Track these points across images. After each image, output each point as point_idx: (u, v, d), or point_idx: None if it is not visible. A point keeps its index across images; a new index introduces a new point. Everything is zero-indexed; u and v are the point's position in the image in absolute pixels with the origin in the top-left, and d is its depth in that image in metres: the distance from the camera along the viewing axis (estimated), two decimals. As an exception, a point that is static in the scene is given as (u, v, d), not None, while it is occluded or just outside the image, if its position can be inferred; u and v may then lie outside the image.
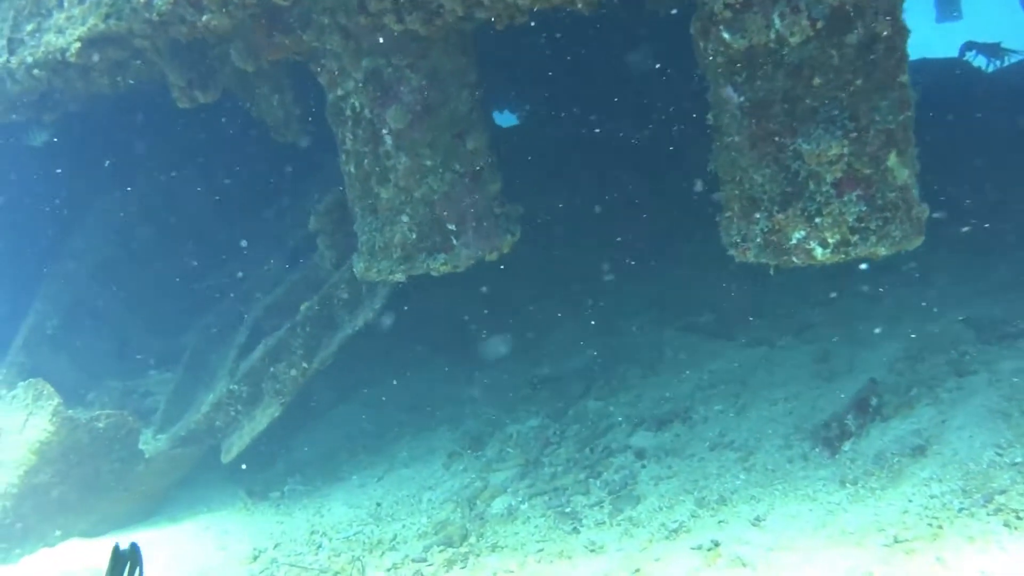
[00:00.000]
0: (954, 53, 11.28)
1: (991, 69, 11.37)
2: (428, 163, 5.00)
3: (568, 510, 5.93)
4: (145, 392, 7.83)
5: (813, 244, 4.15)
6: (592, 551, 5.34)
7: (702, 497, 5.59)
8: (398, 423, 7.78)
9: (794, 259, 4.22)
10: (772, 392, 6.58)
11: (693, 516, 5.42)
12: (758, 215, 4.25)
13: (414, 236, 5.11)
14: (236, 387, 6.86)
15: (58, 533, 6.67)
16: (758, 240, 4.30)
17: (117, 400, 7.56)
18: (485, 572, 5.41)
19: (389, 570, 5.84)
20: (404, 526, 6.35)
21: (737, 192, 4.33)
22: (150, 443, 7.08)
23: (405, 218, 5.08)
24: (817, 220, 4.11)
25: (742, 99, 4.15)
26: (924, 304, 7.09)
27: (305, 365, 6.57)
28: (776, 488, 5.46)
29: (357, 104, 5.00)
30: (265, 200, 8.81)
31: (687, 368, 7.26)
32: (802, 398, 6.39)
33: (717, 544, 4.98)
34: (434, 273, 5.20)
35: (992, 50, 11.42)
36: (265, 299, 7.57)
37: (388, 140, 4.99)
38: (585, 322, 8.28)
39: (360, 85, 4.96)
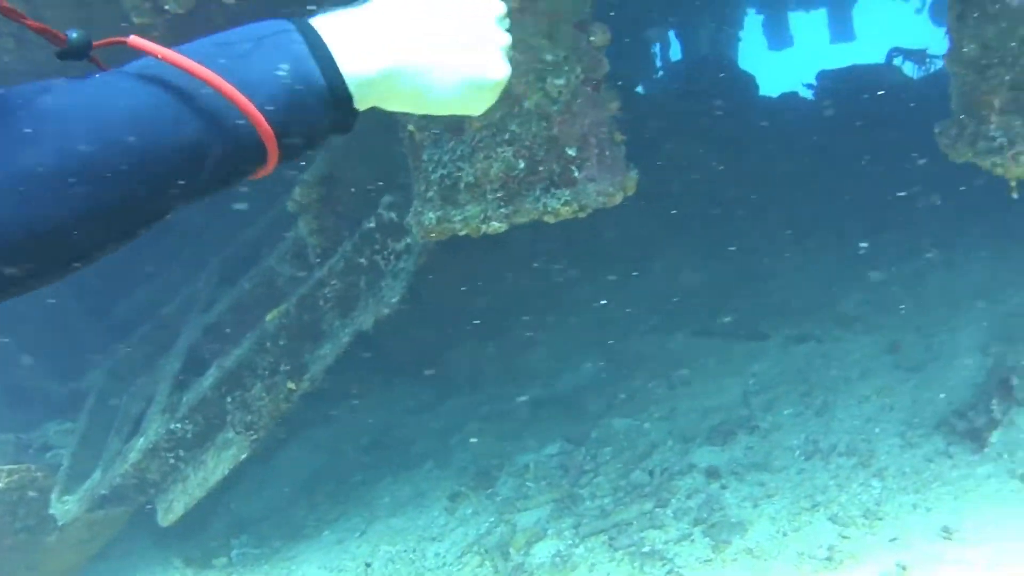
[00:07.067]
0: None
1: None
2: (548, 58, 3.37)
3: (646, 549, 4.44)
4: (43, 446, 5.85)
5: None
6: (723, 596, 3.88)
7: (835, 514, 4.24)
8: (361, 465, 6.05)
9: None
10: (852, 388, 5.36)
11: (842, 537, 4.05)
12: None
13: (522, 165, 3.48)
14: (178, 426, 5.00)
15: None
16: None
17: (12, 456, 5.57)
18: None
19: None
20: (414, 591, 4.69)
21: None
22: (56, 507, 5.12)
23: (508, 139, 3.47)
24: None
25: None
26: (966, 289, 6.19)
27: (292, 386, 4.77)
28: (938, 492, 4.18)
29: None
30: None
31: (722, 375, 5.95)
32: (896, 392, 5.21)
33: (904, 568, 3.66)
34: (549, 219, 3.53)
35: (919, 56, 11.11)
36: (202, 319, 5.72)
37: None
38: (574, 334, 6.84)
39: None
